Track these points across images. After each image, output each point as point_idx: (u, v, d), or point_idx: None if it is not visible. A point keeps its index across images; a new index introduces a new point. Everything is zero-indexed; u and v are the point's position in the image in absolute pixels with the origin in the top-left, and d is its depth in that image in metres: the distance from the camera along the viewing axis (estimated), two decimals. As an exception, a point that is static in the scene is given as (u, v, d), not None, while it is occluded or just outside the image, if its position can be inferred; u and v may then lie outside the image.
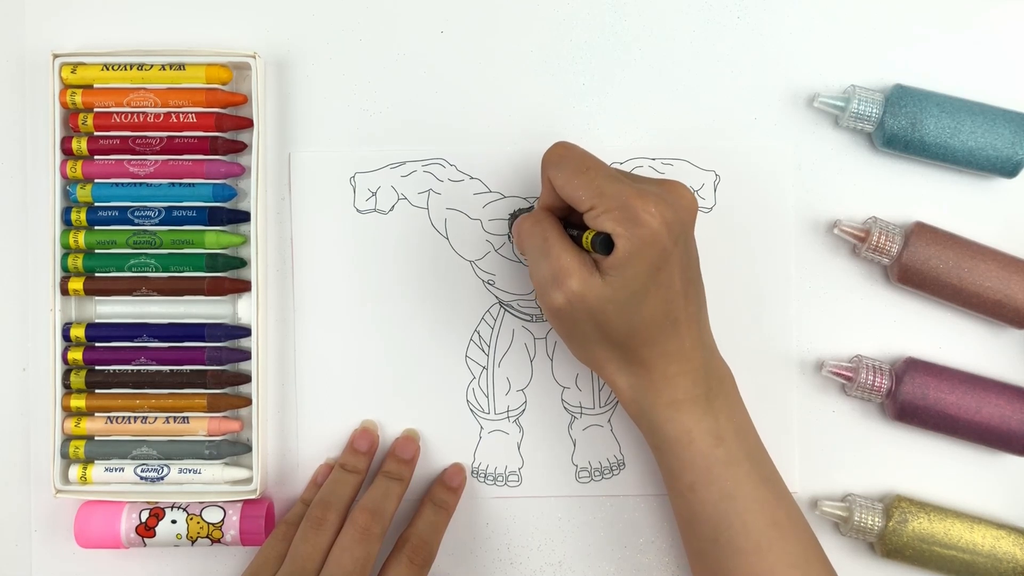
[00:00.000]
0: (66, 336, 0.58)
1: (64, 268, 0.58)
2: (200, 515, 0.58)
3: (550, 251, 0.51)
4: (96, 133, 0.58)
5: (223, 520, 0.58)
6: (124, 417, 0.58)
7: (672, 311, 0.50)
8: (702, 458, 0.51)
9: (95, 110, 0.58)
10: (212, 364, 0.58)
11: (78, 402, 0.58)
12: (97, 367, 0.58)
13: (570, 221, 0.53)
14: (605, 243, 0.49)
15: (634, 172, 0.59)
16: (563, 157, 0.52)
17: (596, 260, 0.50)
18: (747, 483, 0.51)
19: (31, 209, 0.60)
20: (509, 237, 0.59)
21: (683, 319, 0.51)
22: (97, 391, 0.58)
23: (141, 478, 0.58)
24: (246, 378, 0.59)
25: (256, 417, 0.58)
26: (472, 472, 0.60)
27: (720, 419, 0.52)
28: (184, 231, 0.58)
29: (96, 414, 0.58)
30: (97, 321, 0.59)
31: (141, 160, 0.58)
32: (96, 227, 0.59)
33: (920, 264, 0.57)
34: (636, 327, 0.50)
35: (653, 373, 0.51)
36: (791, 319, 0.60)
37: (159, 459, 0.58)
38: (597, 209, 0.49)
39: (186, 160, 0.58)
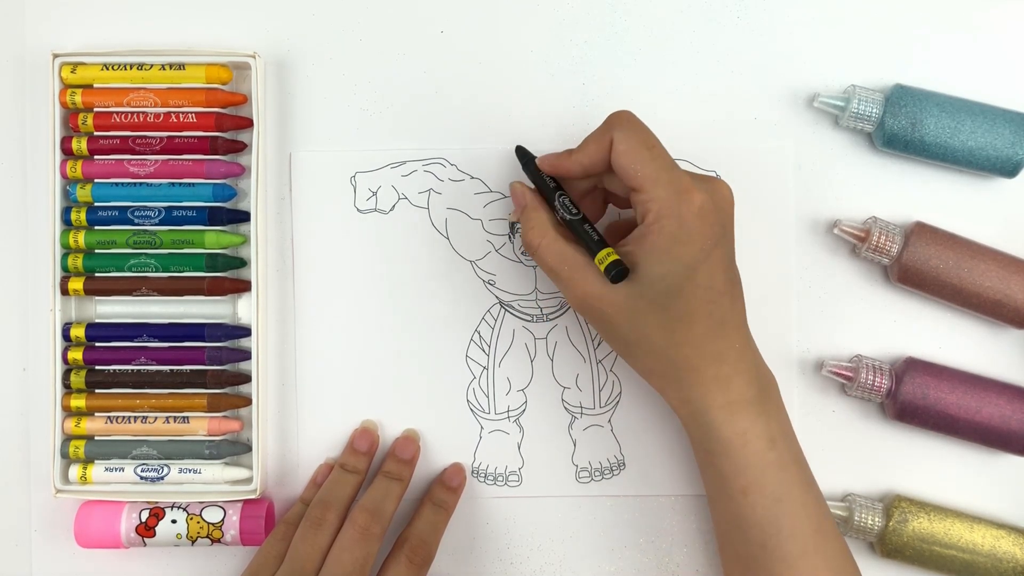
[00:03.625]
0: (66, 336, 0.58)
1: (64, 268, 0.58)
2: (200, 515, 0.58)
3: (572, 277, 0.51)
4: (96, 133, 0.58)
5: (223, 520, 0.58)
6: (124, 417, 0.58)
7: (717, 312, 0.50)
8: (756, 461, 0.51)
9: (95, 110, 0.58)
10: (212, 364, 0.58)
11: (78, 402, 0.58)
12: (97, 367, 0.58)
13: (560, 186, 0.54)
14: (619, 275, 0.50)
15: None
16: (634, 125, 0.52)
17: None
18: (795, 487, 0.51)
19: (31, 209, 0.60)
20: (510, 237, 0.59)
21: (730, 319, 0.51)
22: (97, 391, 0.58)
23: (141, 478, 0.58)
24: (246, 378, 0.59)
25: (256, 417, 0.58)
26: (472, 472, 0.60)
27: (772, 422, 0.51)
28: (184, 231, 0.58)
29: (96, 414, 0.58)
30: (97, 321, 0.59)
31: (141, 160, 0.58)
32: (96, 227, 0.58)
33: (920, 264, 0.57)
34: (677, 329, 0.50)
35: (704, 375, 0.51)
36: (791, 319, 0.60)
37: (159, 459, 0.58)
38: (647, 193, 0.50)
39: (186, 160, 0.58)
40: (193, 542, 0.58)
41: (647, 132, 0.52)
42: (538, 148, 0.57)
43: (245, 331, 0.59)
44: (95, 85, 0.58)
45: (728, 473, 0.51)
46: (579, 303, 0.51)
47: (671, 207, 0.49)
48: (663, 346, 0.51)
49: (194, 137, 0.58)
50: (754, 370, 0.52)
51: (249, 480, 0.58)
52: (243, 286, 0.59)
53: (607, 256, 0.50)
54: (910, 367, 0.58)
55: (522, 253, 0.59)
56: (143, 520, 0.58)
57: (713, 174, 0.59)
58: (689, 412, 0.52)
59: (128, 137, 0.58)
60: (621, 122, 0.52)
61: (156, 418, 0.58)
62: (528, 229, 0.53)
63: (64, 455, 0.58)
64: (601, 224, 0.57)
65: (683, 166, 0.59)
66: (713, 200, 0.50)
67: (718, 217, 0.49)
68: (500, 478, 0.60)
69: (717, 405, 0.51)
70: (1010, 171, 0.58)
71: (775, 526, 0.50)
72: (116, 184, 0.58)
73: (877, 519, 0.57)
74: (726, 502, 0.52)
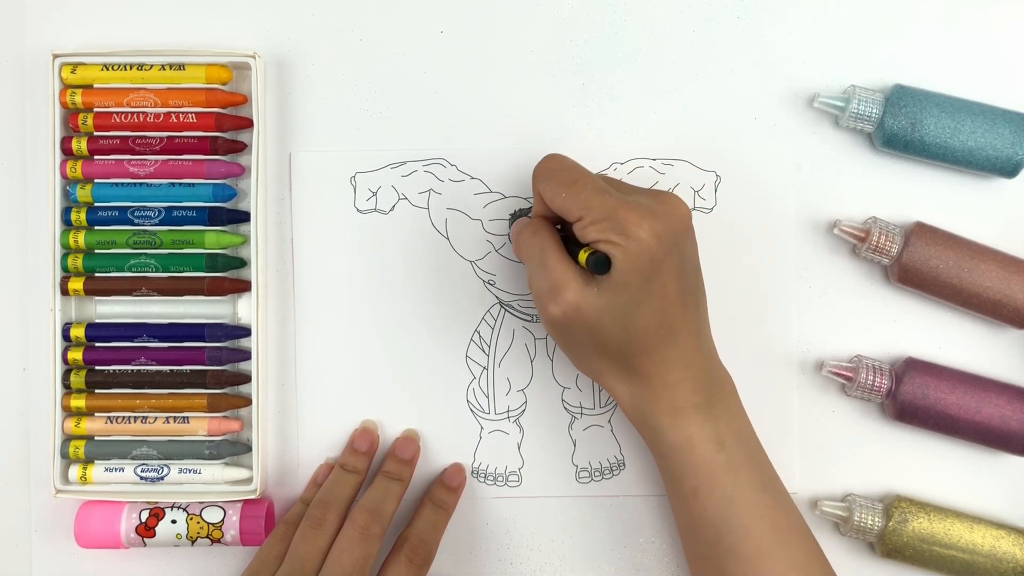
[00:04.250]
0: (66, 336, 0.58)
1: (64, 268, 0.58)
2: (200, 515, 0.58)
3: (547, 262, 0.51)
4: (96, 133, 0.58)
5: (223, 520, 0.58)
6: (124, 417, 0.58)
7: (667, 320, 0.51)
8: (704, 464, 0.51)
9: (95, 110, 0.58)
10: (212, 364, 0.58)
11: (78, 402, 0.58)
12: (97, 367, 0.58)
13: (565, 229, 0.53)
14: (600, 264, 0.49)
15: (634, 172, 0.59)
16: (552, 170, 0.52)
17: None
18: (748, 488, 0.51)
19: (31, 209, 0.60)
20: (510, 237, 0.59)
21: (680, 327, 0.51)
22: (97, 391, 0.58)
23: (141, 478, 0.58)
24: (246, 378, 0.59)
25: (256, 417, 0.58)
26: (472, 472, 0.60)
27: (721, 425, 0.52)
28: (184, 231, 0.58)
29: (96, 414, 0.58)
30: (97, 321, 0.59)
31: (141, 160, 0.58)
32: (96, 227, 0.58)
33: (920, 264, 0.57)
34: (632, 337, 0.50)
35: (653, 381, 0.51)
36: (791, 319, 0.60)
37: (159, 459, 0.58)
38: (584, 220, 0.50)
39: (186, 160, 0.58)
40: (193, 542, 0.58)
41: (569, 170, 0.52)
42: (539, 148, 0.57)
43: (245, 331, 0.59)
44: (95, 85, 0.58)
45: (678, 475, 0.52)
46: (556, 309, 0.51)
47: (610, 227, 0.49)
48: (619, 352, 0.51)
49: (194, 137, 0.58)
50: (703, 376, 0.52)
51: (249, 480, 0.58)
52: (243, 286, 0.59)
53: (587, 251, 0.50)
54: (910, 367, 0.58)
55: (520, 261, 0.59)
56: (143, 520, 0.58)
57: (713, 174, 0.59)
58: (639, 416, 0.53)
59: (128, 137, 0.58)
60: (540, 174, 0.53)
61: (156, 418, 0.58)
62: (518, 231, 0.54)
63: (64, 455, 0.58)
64: None
65: (683, 166, 0.59)
66: (655, 214, 0.49)
67: (666, 227, 0.49)
68: (500, 478, 0.60)
69: (662, 411, 0.52)
70: (1010, 171, 0.58)
71: (728, 526, 0.51)
72: (116, 184, 0.58)
73: (877, 519, 0.57)
74: (679, 502, 0.53)
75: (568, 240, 0.52)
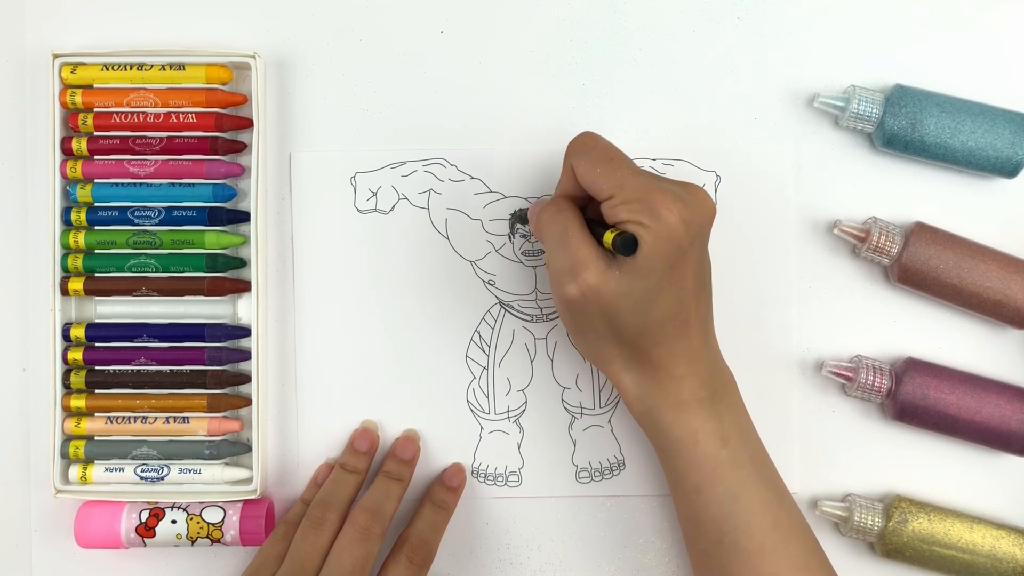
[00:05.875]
0: (66, 336, 0.58)
1: (64, 268, 0.58)
2: (200, 515, 0.58)
3: (569, 241, 0.51)
4: (96, 133, 0.58)
5: (223, 520, 0.58)
6: (124, 417, 0.58)
7: (682, 312, 0.50)
8: (707, 459, 0.51)
9: (95, 110, 0.58)
10: (212, 364, 0.58)
11: (78, 402, 0.58)
12: (97, 367, 0.58)
13: (586, 213, 0.53)
14: (627, 244, 0.49)
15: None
16: (588, 146, 0.52)
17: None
18: (750, 484, 0.51)
19: (31, 209, 0.60)
20: (510, 237, 0.59)
21: (693, 320, 0.51)
22: (97, 391, 0.58)
23: (141, 478, 0.58)
24: (246, 378, 0.59)
25: (256, 417, 0.58)
26: (472, 472, 0.60)
27: (725, 421, 0.52)
28: (184, 231, 0.58)
29: (96, 414, 0.58)
30: (97, 321, 0.59)
31: (141, 160, 0.58)
32: (96, 227, 0.58)
33: (920, 264, 0.57)
34: (647, 325, 0.50)
35: (660, 373, 0.51)
36: (791, 319, 0.60)
37: (159, 459, 0.58)
38: (616, 199, 0.49)
39: (186, 160, 0.58)
40: (193, 542, 0.58)
41: (605, 148, 0.52)
42: (539, 148, 0.57)
43: (245, 331, 0.59)
44: (95, 85, 0.58)
45: (681, 471, 0.52)
46: (574, 288, 0.50)
47: (641, 208, 0.49)
48: (632, 340, 0.51)
49: (194, 137, 0.58)
50: (709, 371, 0.52)
51: (249, 480, 0.58)
52: (243, 286, 0.59)
53: (614, 231, 0.50)
54: (910, 367, 0.58)
55: (522, 253, 0.59)
56: (143, 520, 0.58)
57: (713, 174, 0.59)
58: (643, 408, 0.52)
59: (128, 137, 0.58)
60: (575, 148, 0.52)
61: (156, 418, 0.58)
62: (540, 208, 0.53)
63: (64, 455, 0.58)
64: None
65: (683, 166, 0.59)
66: (685, 202, 0.49)
67: (694, 216, 0.49)
68: (500, 478, 0.60)
69: (667, 404, 0.52)
70: (1010, 171, 0.58)
71: (730, 523, 0.51)
72: (116, 184, 0.58)
73: (877, 519, 0.57)
74: (681, 498, 0.53)
75: (590, 223, 0.52)
